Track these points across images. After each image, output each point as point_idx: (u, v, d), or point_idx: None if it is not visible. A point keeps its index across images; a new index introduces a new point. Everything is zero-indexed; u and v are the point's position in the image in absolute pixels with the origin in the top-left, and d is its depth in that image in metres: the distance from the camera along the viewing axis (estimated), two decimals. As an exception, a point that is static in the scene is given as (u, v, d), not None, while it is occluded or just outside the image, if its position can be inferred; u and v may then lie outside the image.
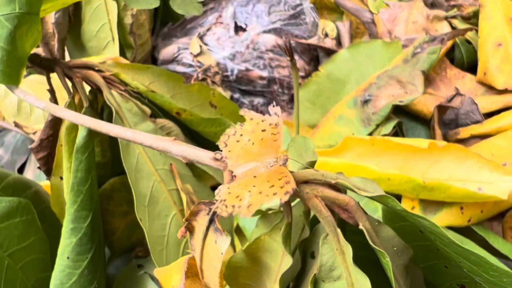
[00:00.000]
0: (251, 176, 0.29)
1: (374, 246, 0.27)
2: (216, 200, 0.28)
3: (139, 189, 0.47)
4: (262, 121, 0.32)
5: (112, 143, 0.56)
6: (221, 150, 0.32)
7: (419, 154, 0.57)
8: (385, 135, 0.61)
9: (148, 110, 0.50)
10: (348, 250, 0.26)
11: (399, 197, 0.56)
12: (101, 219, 0.56)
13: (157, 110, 0.52)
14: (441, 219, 0.55)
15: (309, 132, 0.70)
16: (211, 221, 0.30)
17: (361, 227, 0.27)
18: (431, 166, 0.57)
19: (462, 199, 0.53)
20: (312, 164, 0.31)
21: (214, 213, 0.30)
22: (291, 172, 0.29)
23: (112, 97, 0.48)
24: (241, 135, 0.32)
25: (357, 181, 0.27)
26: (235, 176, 0.30)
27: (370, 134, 0.61)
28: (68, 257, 0.51)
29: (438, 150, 0.56)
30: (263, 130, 0.31)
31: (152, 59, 0.84)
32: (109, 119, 0.52)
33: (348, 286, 0.28)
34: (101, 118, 0.54)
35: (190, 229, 0.33)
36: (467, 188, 0.52)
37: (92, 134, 0.49)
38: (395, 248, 0.29)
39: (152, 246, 0.47)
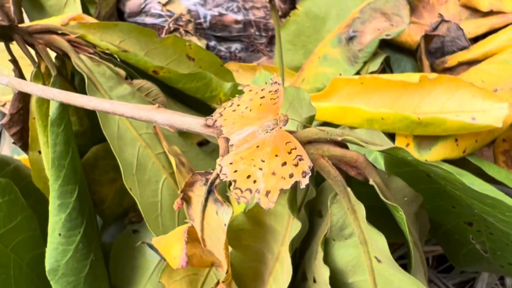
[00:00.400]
0: (252, 144, 0.27)
1: (387, 201, 0.25)
2: (213, 171, 0.26)
3: (125, 157, 0.45)
4: (262, 90, 0.29)
5: (88, 109, 0.52)
6: (212, 116, 0.29)
7: (409, 89, 0.55)
8: (373, 72, 0.59)
9: (122, 72, 0.46)
10: (360, 208, 0.25)
11: (392, 135, 0.55)
12: (88, 191, 0.54)
13: (132, 71, 0.49)
14: (436, 153, 0.54)
15: (293, 76, 0.67)
16: (209, 192, 0.28)
17: (371, 182, 0.25)
18: (422, 100, 0.56)
19: (458, 131, 0.52)
20: (310, 120, 0.29)
21: (212, 183, 0.28)
22: (291, 132, 0.27)
23: (82, 62, 0.44)
24: (238, 105, 0.29)
25: (363, 134, 0.25)
26: (231, 144, 0.28)
27: (358, 72, 0.59)
28: (59, 234, 0.49)
29: (429, 83, 0.54)
30: (262, 97, 0.29)
31: (118, 12, 0.78)
32: (82, 86, 0.49)
33: (360, 243, 0.26)
34: (72, 85, 0.50)
35: (186, 199, 0.31)
36: (462, 120, 0.50)
37: (65, 107, 0.46)
38: (405, 198, 0.28)
39: (146, 215, 0.45)
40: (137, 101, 0.47)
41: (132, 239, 0.62)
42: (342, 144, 0.27)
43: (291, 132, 0.27)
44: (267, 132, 0.28)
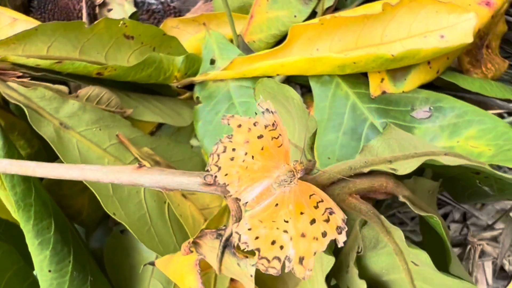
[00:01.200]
0: (269, 203, 0.24)
1: (422, 214, 0.23)
2: (226, 229, 0.23)
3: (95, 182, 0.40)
4: (254, 124, 0.25)
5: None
6: (208, 170, 0.25)
7: (371, 20, 0.52)
8: (329, 7, 0.54)
9: (64, 88, 0.40)
10: (397, 231, 0.23)
11: (365, 73, 0.52)
12: (63, 215, 0.49)
13: (74, 80, 0.42)
14: (412, 82, 0.52)
15: (244, 20, 0.61)
16: (225, 247, 0.25)
17: (401, 199, 0.23)
18: (386, 28, 0.52)
19: (432, 57, 0.49)
20: (312, 140, 0.26)
21: (227, 240, 0.25)
22: (309, 176, 0.24)
23: (13, 90, 0.37)
24: (233, 149, 0.25)
25: (379, 143, 0.22)
26: (244, 203, 0.24)
27: (314, 12, 0.54)
28: (49, 271, 0.45)
29: (392, 9, 0.51)
30: (260, 137, 0.25)
31: None
32: (20, 110, 0.42)
33: (396, 254, 0.25)
34: (9, 111, 0.43)
35: (195, 243, 0.28)
36: (434, 46, 0.48)
37: (6, 136, 0.40)
38: (430, 192, 0.26)
39: (137, 232, 0.42)
40: (90, 115, 0.41)
41: (122, 239, 0.59)
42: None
43: (307, 175, 0.24)
44: (284, 186, 0.25)
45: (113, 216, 0.41)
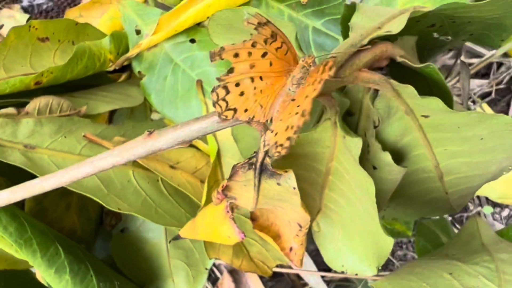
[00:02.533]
0: (289, 103, 0.24)
1: (419, 66, 0.24)
2: (255, 155, 0.23)
3: (87, 187, 0.39)
4: (253, 46, 0.24)
5: None
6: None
7: None
8: None
9: (11, 110, 0.37)
10: (407, 89, 0.24)
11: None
12: (63, 235, 0.47)
13: (16, 99, 0.39)
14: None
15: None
16: (261, 171, 0.25)
17: (399, 59, 0.24)
18: None
19: None
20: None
21: (262, 164, 0.25)
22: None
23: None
24: (237, 85, 0.25)
25: (371, 22, 0.23)
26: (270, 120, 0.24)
27: None
28: (77, 292, 0.44)
29: None
30: (264, 55, 0.24)
31: None
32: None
33: (406, 114, 0.26)
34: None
35: (226, 189, 0.28)
36: None
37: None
38: (412, 48, 0.27)
39: (148, 217, 0.41)
40: (49, 127, 0.39)
41: (125, 238, 0.57)
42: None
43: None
44: (298, 84, 0.25)
45: (118, 211, 0.40)
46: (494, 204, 0.96)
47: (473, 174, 0.36)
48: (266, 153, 0.26)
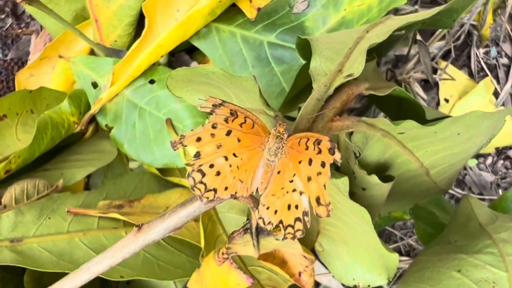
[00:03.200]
0: (274, 176, 0.24)
1: (387, 92, 0.24)
2: (248, 222, 0.23)
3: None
4: (213, 127, 0.24)
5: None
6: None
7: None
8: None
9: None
10: (380, 121, 0.24)
11: (233, 4, 0.51)
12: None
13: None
14: None
15: (89, 26, 0.57)
16: (258, 233, 0.25)
17: (366, 93, 0.24)
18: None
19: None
20: (263, 98, 0.26)
21: (257, 229, 0.25)
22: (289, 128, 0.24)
23: None
24: (210, 166, 0.25)
25: (330, 64, 0.23)
26: (256, 193, 0.24)
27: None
28: None
29: None
30: (228, 133, 0.24)
31: None
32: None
33: (383, 136, 0.26)
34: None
35: (227, 253, 0.28)
36: None
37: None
38: (374, 70, 0.27)
39: (152, 276, 0.41)
40: (30, 213, 0.38)
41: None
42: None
43: (288, 126, 0.24)
44: (277, 154, 0.25)
45: (122, 280, 0.39)
46: (477, 156, 0.98)
47: (456, 161, 0.37)
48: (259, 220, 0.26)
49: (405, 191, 0.40)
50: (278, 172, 0.26)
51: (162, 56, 0.50)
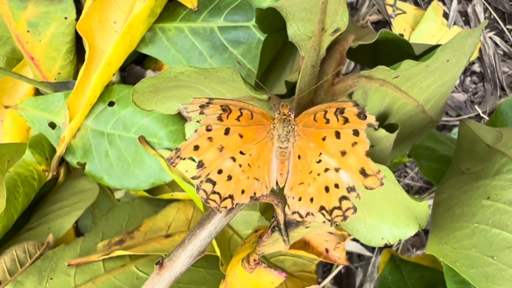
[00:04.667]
0: (295, 162, 0.21)
1: (373, 40, 0.22)
2: (274, 220, 0.21)
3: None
4: (208, 130, 0.21)
5: None
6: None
7: None
8: (81, -19, 0.48)
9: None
10: (378, 70, 0.22)
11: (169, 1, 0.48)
12: None
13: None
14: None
15: (25, 64, 0.53)
16: (287, 228, 0.23)
17: (354, 45, 0.22)
18: None
19: None
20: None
21: (285, 224, 0.23)
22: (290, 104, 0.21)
23: None
24: (219, 172, 0.22)
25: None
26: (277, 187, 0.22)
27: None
28: None
29: None
30: (227, 132, 0.21)
31: None
32: None
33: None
34: None
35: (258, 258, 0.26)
36: None
37: None
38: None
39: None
40: (31, 282, 0.35)
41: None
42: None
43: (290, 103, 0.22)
44: (291, 137, 0.22)
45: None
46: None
47: (446, 89, 0.36)
48: (285, 218, 0.24)
49: (405, 135, 0.38)
50: (299, 157, 0.23)
51: (114, 74, 0.47)
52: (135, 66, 0.53)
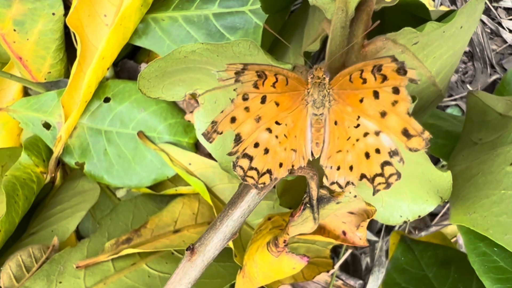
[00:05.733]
0: (331, 129, 0.20)
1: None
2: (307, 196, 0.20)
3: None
4: (244, 99, 0.20)
5: None
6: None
7: None
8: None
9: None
10: (402, 33, 0.21)
11: (160, -12, 0.46)
12: None
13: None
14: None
15: (12, 65, 0.51)
16: (318, 204, 0.22)
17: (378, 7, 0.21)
18: None
19: None
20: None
21: (318, 199, 0.22)
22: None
23: None
24: (255, 145, 0.21)
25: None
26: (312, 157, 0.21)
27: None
28: None
29: None
30: (263, 100, 0.20)
31: None
32: None
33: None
34: None
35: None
36: None
37: None
38: None
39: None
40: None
41: None
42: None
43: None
44: (327, 102, 0.21)
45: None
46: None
47: (455, 60, 0.35)
48: (318, 193, 0.23)
49: (416, 109, 0.38)
50: (335, 123, 0.22)
51: (108, 69, 0.45)
52: (128, 61, 0.51)
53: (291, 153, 0.23)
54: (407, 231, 0.77)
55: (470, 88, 0.87)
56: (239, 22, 0.45)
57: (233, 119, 0.22)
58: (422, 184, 0.31)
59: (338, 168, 0.22)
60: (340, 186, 0.22)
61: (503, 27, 0.90)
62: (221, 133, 0.22)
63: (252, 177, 0.22)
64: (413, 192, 0.33)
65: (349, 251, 0.68)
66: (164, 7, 0.45)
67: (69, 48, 0.50)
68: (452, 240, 0.62)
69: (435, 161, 0.80)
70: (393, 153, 0.22)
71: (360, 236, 0.32)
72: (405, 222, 0.35)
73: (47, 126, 0.46)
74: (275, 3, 0.31)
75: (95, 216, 0.48)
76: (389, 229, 0.79)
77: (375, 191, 0.22)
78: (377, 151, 0.22)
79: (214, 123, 0.21)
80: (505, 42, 0.92)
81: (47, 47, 0.47)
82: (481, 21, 0.90)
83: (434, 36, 0.25)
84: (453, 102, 0.89)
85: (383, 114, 0.21)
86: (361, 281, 0.67)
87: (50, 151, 0.45)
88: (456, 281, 0.44)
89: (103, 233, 0.40)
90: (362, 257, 0.76)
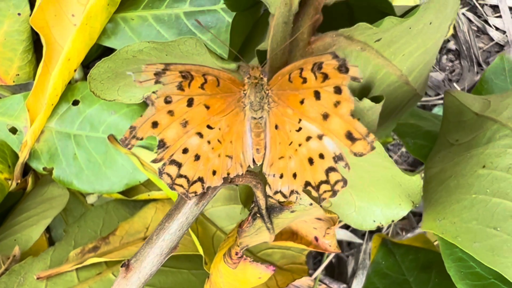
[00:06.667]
0: (272, 134, 0.19)
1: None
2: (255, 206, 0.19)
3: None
4: (167, 102, 0.19)
5: None
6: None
7: None
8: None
9: None
10: (358, 28, 0.20)
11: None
12: None
13: None
14: None
15: None
16: (270, 214, 0.20)
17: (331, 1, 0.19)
18: None
19: None
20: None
21: (267, 208, 0.20)
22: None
23: None
24: (184, 150, 0.19)
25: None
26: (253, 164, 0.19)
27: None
28: None
29: None
30: (190, 103, 0.19)
31: None
32: None
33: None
34: None
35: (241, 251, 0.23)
36: None
37: None
38: None
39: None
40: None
41: None
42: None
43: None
44: (265, 105, 0.19)
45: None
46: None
47: (429, 58, 0.34)
48: (267, 202, 0.21)
49: (389, 110, 0.36)
50: (276, 128, 0.20)
51: (75, 71, 0.44)
52: (99, 62, 0.50)
53: (226, 160, 0.21)
54: (394, 233, 0.76)
55: (457, 87, 0.86)
56: (210, 21, 0.43)
57: (154, 124, 0.20)
58: (393, 188, 0.30)
59: (281, 176, 0.21)
60: (284, 196, 0.21)
61: (489, 25, 0.89)
62: (141, 139, 0.20)
63: (181, 186, 0.21)
64: (386, 196, 0.32)
65: (333, 254, 0.67)
66: (134, 6, 0.44)
67: (40, 49, 0.48)
68: (436, 243, 0.61)
69: (419, 163, 0.79)
70: (338, 158, 0.20)
71: (329, 243, 0.30)
72: (378, 227, 0.34)
73: (13, 130, 0.44)
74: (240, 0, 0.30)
75: (68, 223, 0.47)
76: (375, 230, 0.78)
77: (320, 200, 0.21)
78: (321, 156, 0.20)
79: (132, 128, 0.20)
80: (492, 40, 0.91)
81: (14, 49, 0.45)
82: (468, 18, 0.89)
83: (399, 33, 0.24)
84: (440, 101, 0.88)
85: (325, 116, 0.20)
86: (345, 285, 0.66)
87: (16, 157, 0.43)
88: (436, 286, 0.43)
89: (69, 242, 0.38)
90: (348, 260, 0.75)
